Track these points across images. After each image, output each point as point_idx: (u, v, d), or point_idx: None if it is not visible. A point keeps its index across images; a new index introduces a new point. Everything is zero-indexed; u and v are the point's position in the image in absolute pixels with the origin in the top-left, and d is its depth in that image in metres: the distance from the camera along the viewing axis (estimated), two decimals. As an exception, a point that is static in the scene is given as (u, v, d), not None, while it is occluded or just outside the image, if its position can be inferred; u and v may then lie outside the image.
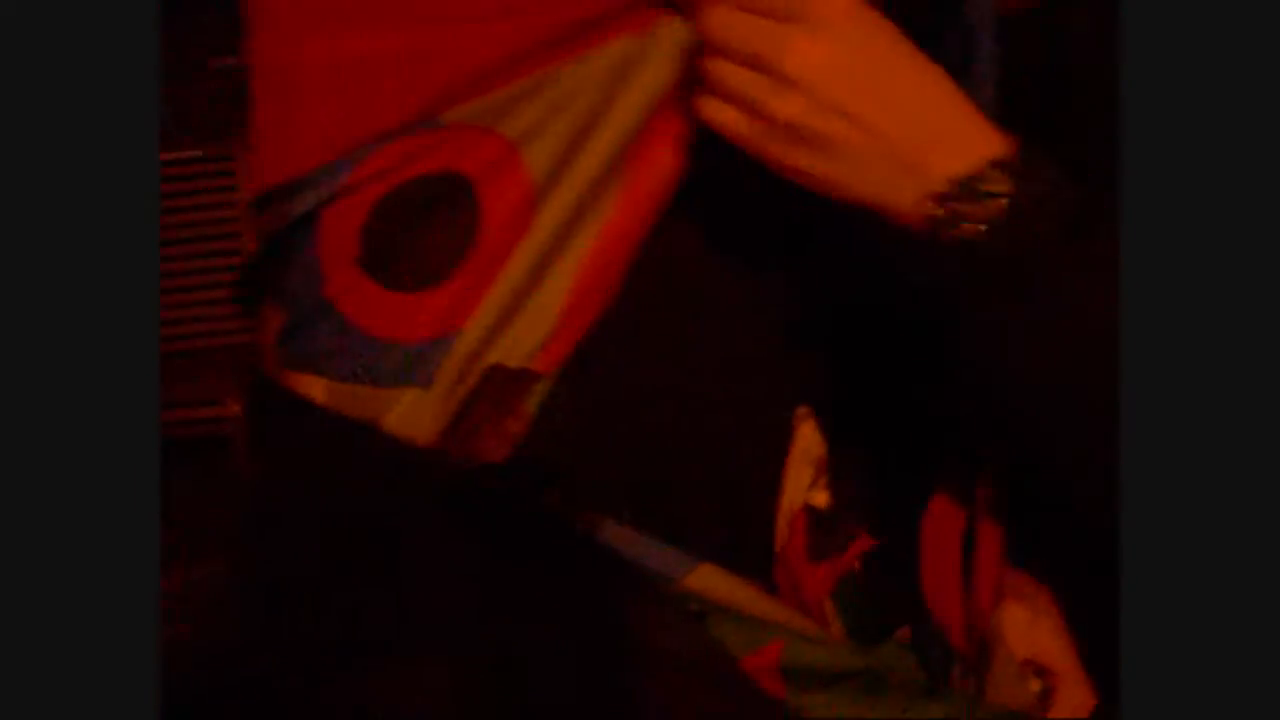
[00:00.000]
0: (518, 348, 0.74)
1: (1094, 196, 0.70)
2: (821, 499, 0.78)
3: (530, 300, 0.74)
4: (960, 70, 0.76)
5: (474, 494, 0.75)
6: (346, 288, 0.75)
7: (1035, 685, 0.79)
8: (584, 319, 0.75)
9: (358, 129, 0.75)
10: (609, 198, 0.75)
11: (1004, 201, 0.69)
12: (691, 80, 0.73)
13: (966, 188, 0.69)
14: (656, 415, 0.77)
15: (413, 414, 0.74)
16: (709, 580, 0.76)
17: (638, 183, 0.75)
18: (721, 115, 0.72)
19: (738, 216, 0.78)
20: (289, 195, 0.76)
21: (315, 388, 0.75)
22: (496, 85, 0.75)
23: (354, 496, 0.76)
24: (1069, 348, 0.69)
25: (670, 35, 0.75)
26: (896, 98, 0.70)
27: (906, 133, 0.69)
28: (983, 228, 0.69)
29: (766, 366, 0.78)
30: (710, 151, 0.74)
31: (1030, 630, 0.78)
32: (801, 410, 0.79)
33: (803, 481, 0.78)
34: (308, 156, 0.76)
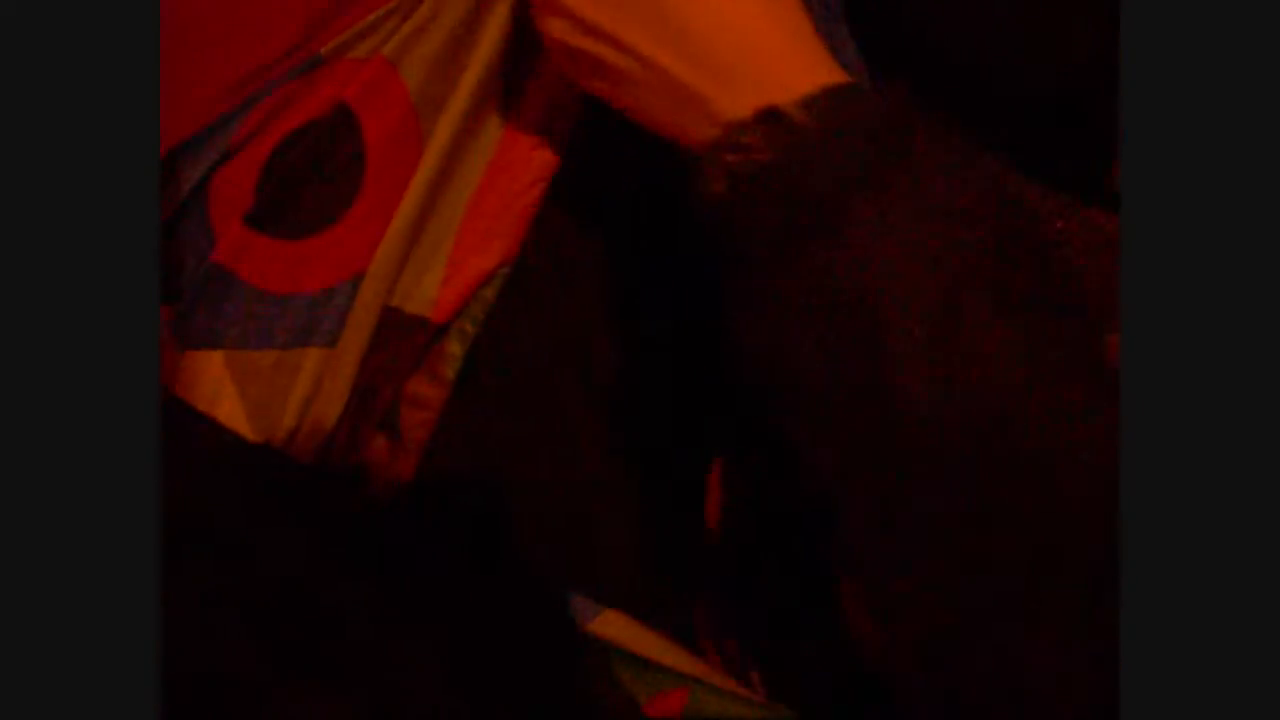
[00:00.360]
0: (415, 293, 0.71)
1: (898, 146, 0.59)
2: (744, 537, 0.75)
3: (424, 241, 0.71)
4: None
5: (379, 528, 0.72)
6: (237, 247, 0.70)
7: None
8: (478, 266, 0.72)
9: (240, 69, 0.71)
10: (494, 128, 0.72)
11: (755, 156, 0.60)
12: None
13: (733, 135, 0.61)
14: (574, 453, 0.75)
15: (320, 378, 0.71)
16: (613, 627, 0.72)
17: (524, 116, 0.72)
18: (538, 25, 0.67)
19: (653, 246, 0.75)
20: (180, 161, 0.72)
21: (213, 363, 0.71)
22: (369, 9, 0.71)
23: (257, 527, 0.71)
24: (827, 327, 0.58)
25: None
26: (678, 27, 0.62)
27: (687, 66, 0.62)
28: (729, 182, 0.60)
29: (688, 403, 0.75)
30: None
31: None
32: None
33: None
34: (196, 113, 0.72)
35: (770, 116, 0.60)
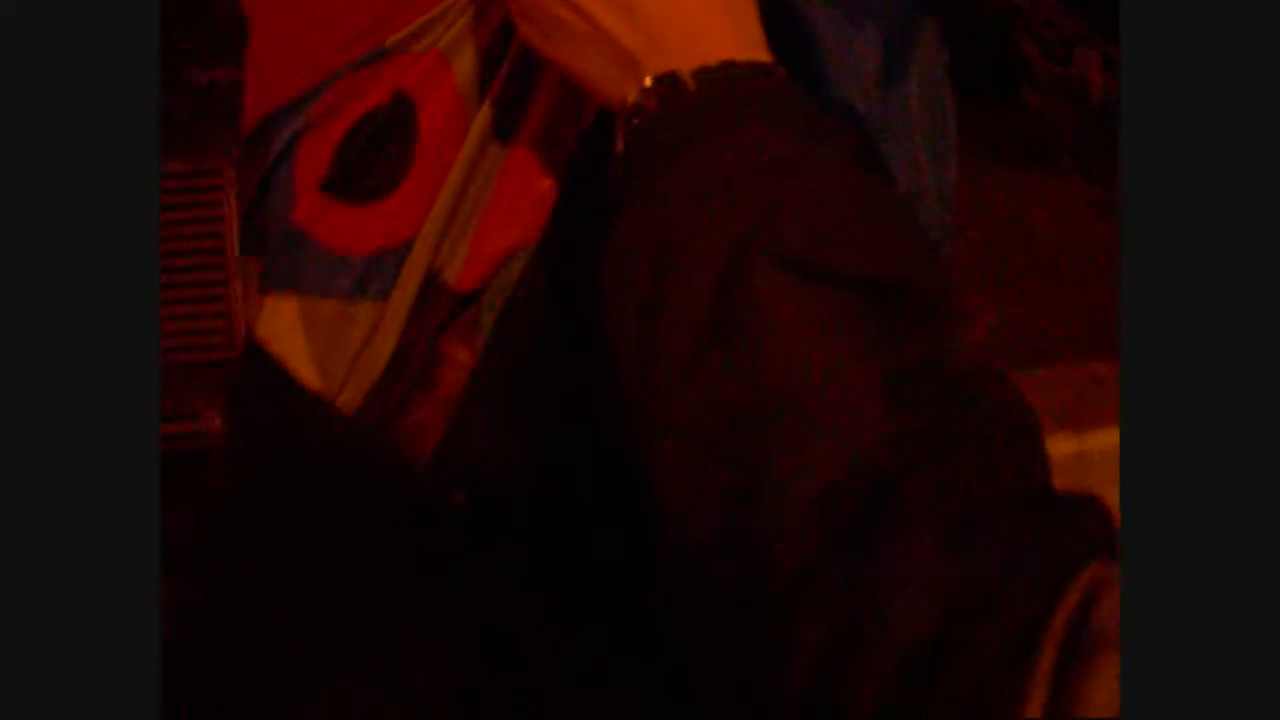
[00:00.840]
0: (450, 262, 0.78)
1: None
2: None
3: (459, 216, 0.78)
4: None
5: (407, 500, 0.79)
6: (313, 210, 0.79)
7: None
8: (497, 245, 0.78)
9: (318, 56, 0.80)
10: (521, 116, 0.78)
11: (647, 118, 0.63)
12: None
13: (640, 97, 0.65)
14: (584, 435, 0.77)
15: (372, 329, 0.79)
16: None
17: (547, 107, 0.78)
18: None
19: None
20: (269, 129, 0.81)
21: (288, 305, 0.80)
22: (428, 6, 0.78)
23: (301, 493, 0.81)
24: (631, 274, 0.62)
25: None
26: None
27: (629, 30, 0.65)
28: (626, 141, 0.65)
29: None
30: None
31: None
32: None
33: None
34: (290, 83, 0.81)
35: (668, 81, 0.63)
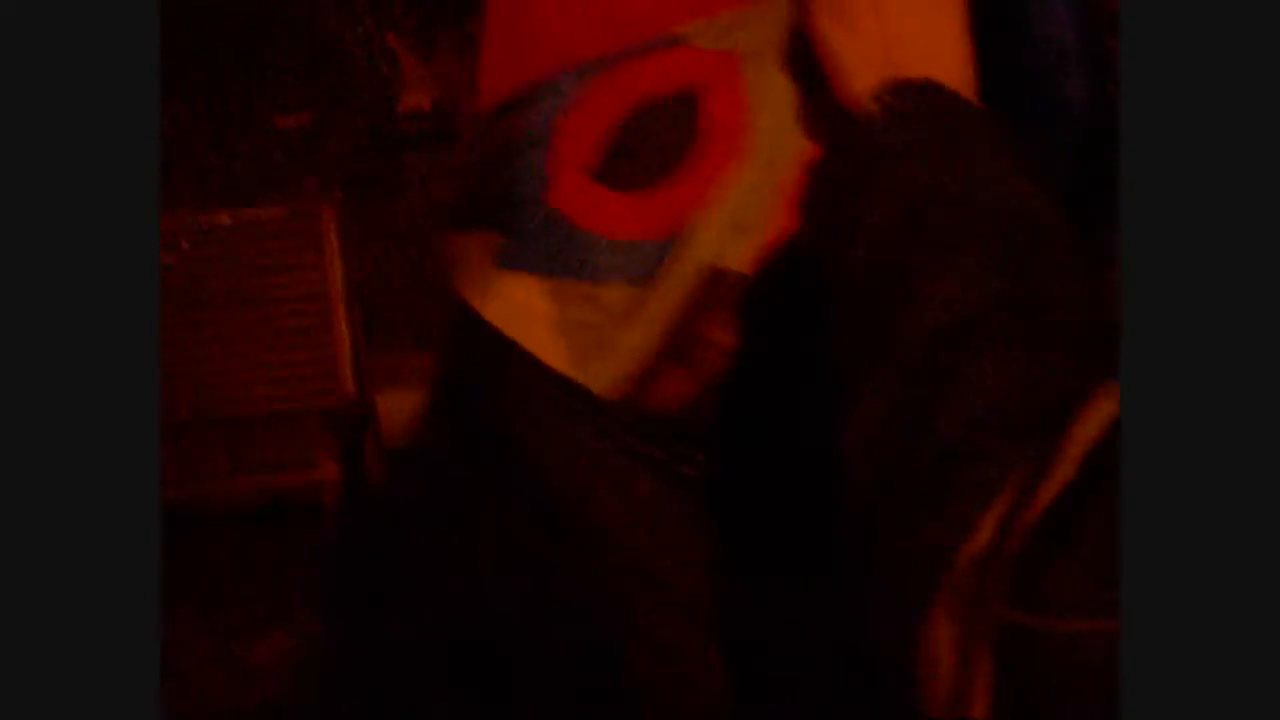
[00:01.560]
0: (733, 252, 0.80)
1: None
2: None
3: (747, 208, 0.80)
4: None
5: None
6: (571, 192, 0.80)
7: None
8: (782, 230, 0.80)
9: (587, 40, 0.81)
10: (802, 129, 0.79)
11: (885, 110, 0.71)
12: None
13: (882, 90, 0.72)
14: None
15: (627, 312, 0.80)
16: None
17: (819, 122, 0.79)
18: None
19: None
20: (524, 104, 0.82)
21: (530, 286, 0.81)
22: (734, 3, 0.80)
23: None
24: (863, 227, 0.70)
25: None
26: (907, 6, 0.74)
27: (891, 35, 0.73)
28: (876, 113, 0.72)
29: None
30: None
31: None
32: None
33: None
34: (539, 67, 0.81)
35: (927, 86, 0.72)
